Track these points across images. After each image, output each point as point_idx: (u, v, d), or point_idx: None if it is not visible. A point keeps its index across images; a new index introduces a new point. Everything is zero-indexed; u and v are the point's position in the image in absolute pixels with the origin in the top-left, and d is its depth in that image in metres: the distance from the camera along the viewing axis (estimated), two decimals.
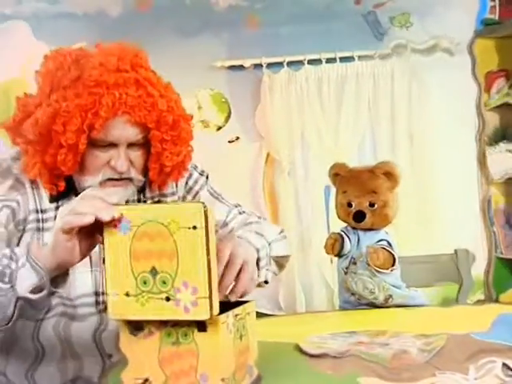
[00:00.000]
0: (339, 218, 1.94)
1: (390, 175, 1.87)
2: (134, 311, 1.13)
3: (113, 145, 1.42)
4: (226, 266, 1.28)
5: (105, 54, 1.43)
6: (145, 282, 1.11)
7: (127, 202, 1.51)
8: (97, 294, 1.50)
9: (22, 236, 1.43)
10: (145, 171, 1.49)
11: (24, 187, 1.44)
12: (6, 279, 1.24)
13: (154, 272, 1.11)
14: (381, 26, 3.58)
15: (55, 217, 1.45)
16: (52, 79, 1.41)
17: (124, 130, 1.41)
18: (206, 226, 1.07)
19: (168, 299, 1.10)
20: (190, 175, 1.64)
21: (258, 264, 1.43)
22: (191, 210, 1.08)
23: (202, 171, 1.67)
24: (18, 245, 1.42)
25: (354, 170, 1.94)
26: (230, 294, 1.28)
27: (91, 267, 1.48)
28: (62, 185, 1.45)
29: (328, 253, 1.93)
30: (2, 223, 1.40)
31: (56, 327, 1.48)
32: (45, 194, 1.46)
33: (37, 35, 3.38)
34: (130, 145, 1.44)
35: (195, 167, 1.66)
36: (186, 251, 1.08)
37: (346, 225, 1.92)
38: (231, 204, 1.69)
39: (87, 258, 1.38)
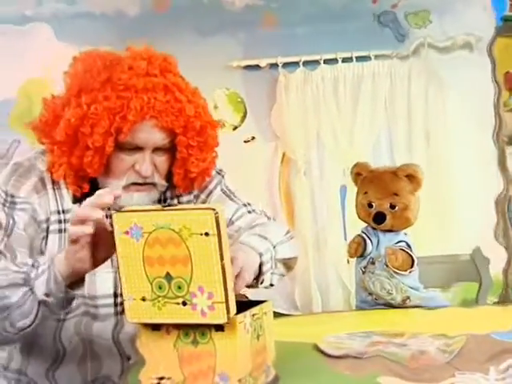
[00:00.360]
0: (359, 217, 1.93)
1: (413, 178, 1.86)
2: (152, 315, 1.14)
3: (138, 149, 1.43)
4: None
5: (134, 58, 1.44)
6: (160, 287, 1.12)
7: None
8: (115, 295, 1.50)
9: (46, 237, 1.45)
10: (168, 176, 1.50)
11: (45, 188, 1.46)
12: (26, 287, 1.26)
13: (168, 277, 1.11)
14: (400, 25, 3.56)
15: None
16: (81, 81, 1.42)
17: (151, 134, 1.42)
18: (219, 232, 1.07)
19: (184, 303, 1.11)
20: None
21: (260, 268, 1.42)
22: (202, 216, 1.08)
23: (220, 170, 1.67)
24: (45, 246, 1.44)
25: (376, 170, 1.93)
26: None
27: (112, 268, 1.49)
28: (87, 187, 1.46)
29: (351, 256, 1.93)
30: (21, 227, 1.41)
31: (77, 326, 1.49)
32: (67, 195, 1.48)
33: (57, 36, 3.39)
34: (156, 149, 1.45)
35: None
36: (199, 257, 1.09)
37: (365, 225, 1.92)
38: (241, 202, 1.68)
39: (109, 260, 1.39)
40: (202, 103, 1.50)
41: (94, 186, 1.46)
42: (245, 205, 1.68)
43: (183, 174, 1.51)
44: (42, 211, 1.44)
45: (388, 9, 3.56)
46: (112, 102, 1.38)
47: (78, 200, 1.47)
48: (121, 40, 1.65)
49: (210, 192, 1.64)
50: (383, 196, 1.87)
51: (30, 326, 1.29)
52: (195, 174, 1.50)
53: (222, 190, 1.66)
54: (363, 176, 1.93)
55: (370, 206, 1.89)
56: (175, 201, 1.58)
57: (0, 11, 3.37)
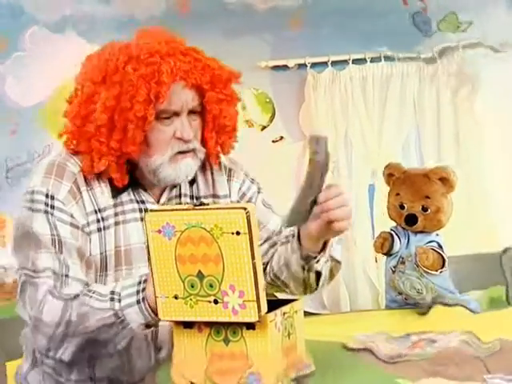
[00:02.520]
0: (390, 218, 1.94)
1: (446, 181, 1.86)
2: (184, 313, 1.16)
3: (174, 116, 1.46)
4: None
5: (146, 36, 1.50)
6: (192, 286, 1.14)
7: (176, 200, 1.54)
8: None
9: (90, 239, 1.47)
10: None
11: (80, 192, 1.47)
12: (118, 325, 1.33)
13: (200, 276, 1.13)
14: (429, 26, 3.54)
15: (115, 214, 1.49)
16: (102, 68, 1.46)
17: (184, 95, 1.46)
18: (250, 231, 1.09)
19: (216, 302, 1.13)
20: (243, 181, 1.66)
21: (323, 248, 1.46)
22: (233, 215, 1.09)
23: (253, 179, 1.70)
24: (90, 249, 1.46)
25: (409, 172, 1.93)
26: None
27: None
28: (126, 178, 1.48)
29: (377, 251, 1.93)
30: (69, 236, 1.44)
31: None
32: (101, 193, 1.49)
33: (88, 39, 3.43)
34: (189, 113, 1.48)
35: (246, 174, 1.69)
36: (230, 256, 1.10)
37: (393, 224, 1.92)
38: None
39: (146, 254, 1.42)
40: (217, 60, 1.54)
41: (132, 179, 1.50)
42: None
43: (215, 138, 1.53)
44: (81, 217, 1.46)
45: (419, 10, 3.55)
46: (143, 70, 1.41)
47: (117, 194, 1.50)
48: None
49: (250, 200, 1.65)
50: (415, 199, 1.87)
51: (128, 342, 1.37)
52: (229, 128, 1.53)
53: (262, 202, 1.68)
54: (395, 177, 1.93)
55: (402, 207, 1.89)
56: (208, 200, 1.59)
57: (35, 14, 3.42)
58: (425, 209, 1.86)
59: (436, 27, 3.56)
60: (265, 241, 1.62)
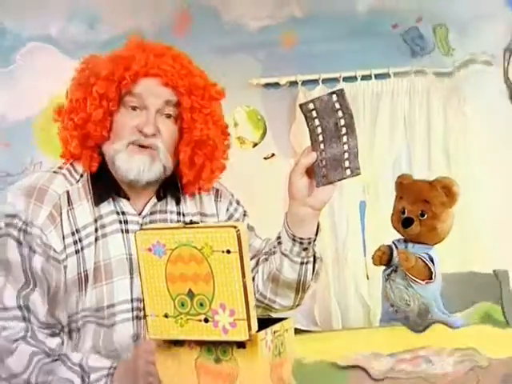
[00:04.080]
0: (393, 226, 1.94)
1: (448, 191, 1.87)
2: (174, 332, 1.15)
3: (144, 109, 1.46)
4: None
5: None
6: (182, 304, 1.14)
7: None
8: (132, 300, 1.52)
9: (66, 266, 1.46)
10: (174, 162, 1.51)
11: (60, 214, 1.46)
12: None
13: (190, 294, 1.13)
14: (420, 44, 3.57)
15: (95, 229, 1.48)
16: (89, 70, 1.49)
17: (156, 91, 1.46)
18: (240, 250, 1.09)
19: (206, 320, 1.12)
20: (230, 203, 1.67)
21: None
22: (224, 234, 1.09)
23: (238, 201, 1.70)
24: (64, 275, 1.45)
25: (416, 180, 1.95)
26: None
27: (130, 274, 1.50)
28: (95, 164, 1.49)
29: (375, 264, 1.94)
30: (39, 268, 1.44)
31: (95, 338, 1.50)
32: (81, 212, 1.48)
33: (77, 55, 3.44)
34: (161, 114, 1.47)
35: (232, 196, 1.69)
36: (221, 274, 1.10)
37: (386, 240, 1.93)
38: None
39: (127, 265, 1.42)
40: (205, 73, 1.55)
41: (115, 188, 1.50)
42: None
43: (189, 153, 1.50)
44: (58, 242, 1.45)
45: (410, 26, 3.57)
46: (117, 54, 1.46)
47: (99, 202, 1.50)
48: None
49: (237, 221, 1.66)
50: (415, 201, 1.88)
51: None
52: (199, 141, 1.49)
53: (248, 227, 1.67)
54: (403, 184, 1.95)
55: (403, 212, 1.90)
56: (196, 217, 1.59)
57: (25, 29, 3.42)
58: (423, 214, 1.87)
59: (428, 44, 3.59)
60: (252, 257, 1.63)
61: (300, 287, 1.58)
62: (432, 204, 1.86)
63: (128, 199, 1.53)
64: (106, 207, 1.51)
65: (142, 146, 1.46)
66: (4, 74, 3.42)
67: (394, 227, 1.93)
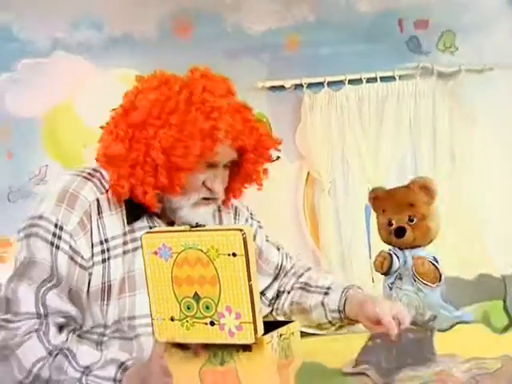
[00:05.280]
0: (382, 240, 1.94)
1: (426, 189, 1.87)
2: (180, 335, 1.15)
3: (210, 166, 1.48)
4: None
5: (207, 79, 1.49)
6: (188, 307, 1.14)
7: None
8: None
9: (91, 273, 1.46)
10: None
11: (90, 221, 1.46)
12: None
13: (196, 297, 1.13)
14: (425, 46, 3.57)
15: (123, 243, 1.48)
16: (160, 103, 1.43)
17: (227, 153, 1.48)
18: (246, 253, 1.09)
19: (212, 323, 1.12)
20: (247, 219, 1.75)
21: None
22: (230, 237, 1.09)
23: (253, 215, 1.76)
24: (89, 283, 1.46)
25: (391, 189, 1.95)
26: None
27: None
28: (159, 205, 1.49)
29: (377, 270, 1.93)
30: (65, 272, 1.44)
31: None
32: (110, 223, 1.48)
33: (80, 61, 3.45)
34: (224, 166, 1.51)
35: (247, 209, 1.73)
36: (227, 277, 1.10)
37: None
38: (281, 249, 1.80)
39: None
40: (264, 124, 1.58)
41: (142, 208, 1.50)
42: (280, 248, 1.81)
43: (239, 187, 1.59)
44: (86, 249, 1.45)
45: (415, 29, 3.57)
46: (201, 123, 1.41)
47: (132, 221, 1.50)
48: (144, 64, 1.66)
49: (254, 236, 1.69)
50: (400, 209, 1.88)
51: None
52: (254, 182, 1.59)
53: (266, 239, 1.76)
54: (379, 197, 1.95)
55: (390, 224, 1.89)
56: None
57: (29, 36, 3.44)
58: (411, 219, 1.87)
59: (433, 47, 3.59)
60: (274, 277, 1.75)
61: (320, 328, 1.72)
62: (417, 206, 1.87)
63: (159, 217, 1.53)
64: (140, 223, 1.51)
65: (207, 199, 1.50)
66: (10, 78, 3.44)
67: (385, 241, 1.93)
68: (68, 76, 3.39)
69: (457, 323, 1.83)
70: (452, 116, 3.55)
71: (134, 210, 1.50)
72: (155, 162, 1.42)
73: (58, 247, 1.43)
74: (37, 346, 1.38)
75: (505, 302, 2.13)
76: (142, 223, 1.51)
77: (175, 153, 1.41)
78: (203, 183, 1.48)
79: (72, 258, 1.43)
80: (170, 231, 1.18)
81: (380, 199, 1.95)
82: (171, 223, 1.54)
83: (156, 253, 1.15)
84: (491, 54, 3.54)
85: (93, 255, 1.45)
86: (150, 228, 1.50)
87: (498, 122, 3.47)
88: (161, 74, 1.51)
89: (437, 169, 3.53)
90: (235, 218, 1.68)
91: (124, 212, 1.50)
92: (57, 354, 1.38)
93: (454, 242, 3.29)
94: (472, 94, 3.51)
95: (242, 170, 1.54)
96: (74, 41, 3.47)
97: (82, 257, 1.44)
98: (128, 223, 1.49)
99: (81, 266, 1.45)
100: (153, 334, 1.19)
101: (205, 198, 1.50)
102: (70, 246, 1.43)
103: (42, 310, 1.41)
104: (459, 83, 3.54)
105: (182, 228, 1.19)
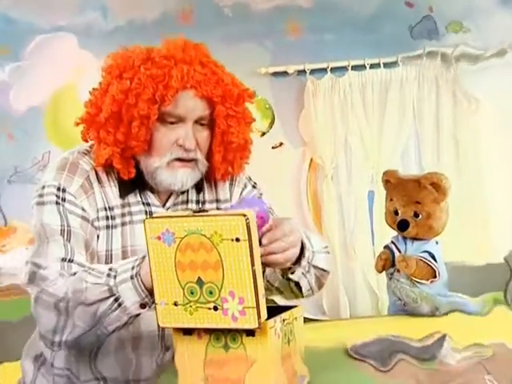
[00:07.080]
0: (387, 223, 1.94)
1: (438, 186, 1.85)
2: (183, 320, 1.16)
3: (180, 122, 1.48)
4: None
5: (171, 42, 1.52)
6: (192, 292, 1.14)
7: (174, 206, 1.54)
8: None
9: (98, 235, 1.49)
10: (207, 158, 1.54)
11: (92, 187, 1.50)
12: (111, 298, 1.32)
13: (200, 282, 1.13)
14: (431, 32, 3.55)
15: (122, 214, 1.51)
16: (121, 63, 1.49)
17: (192, 103, 1.47)
18: (250, 238, 1.09)
19: (216, 308, 1.13)
20: (245, 186, 1.67)
21: (298, 259, 1.41)
22: (233, 222, 1.09)
23: (255, 184, 1.70)
24: (97, 244, 1.48)
25: (403, 178, 1.93)
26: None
27: None
28: (133, 171, 1.50)
29: (379, 271, 1.93)
30: (77, 227, 1.46)
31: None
32: (111, 192, 1.51)
33: (82, 45, 3.45)
34: (196, 123, 1.49)
35: (249, 179, 1.69)
36: (230, 262, 1.10)
37: (394, 232, 1.93)
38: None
39: None
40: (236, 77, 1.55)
41: (136, 178, 1.51)
42: None
43: (223, 153, 1.54)
44: (91, 211, 1.48)
45: (420, 15, 3.55)
46: (154, 71, 1.44)
47: (124, 195, 1.51)
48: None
49: None
50: (406, 204, 1.87)
51: (122, 326, 1.36)
52: (235, 145, 1.53)
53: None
54: (391, 183, 1.94)
55: (396, 213, 1.89)
56: (212, 205, 1.60)
57: (32, 21, 3.43)
58: (416, 215, 1.86)
59: (439, 32, 3.57)
60: None
61: (295, 294, 1.55)
62: (424, 204, 1.86)
63: (152, 191, 1.54)
64: (133, 197, 1.53)
65: (183, 160, 1.49)
66: (13, 65, 3.44)
67: (389, 225, 1.92)
68: (71, 61, 3.39)
69: (457, 311, 1.83)
70: (455, 101, 3.54)
71: (126, 184, 1.52)
72: (112, 119, 1.45)
73: (64, 207, 1.46)
74: (61, 281, 1.38)
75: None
76: (136, 198, 1.53)
77: (128, 102, 1.44)
78: (176, 142, 1.48)
79: (82, 217, 1.46)
80: (173, 216, 1.18)
81: (391, 185, 1.94)
82: (165, 201, 1.55)
83: (159, 238, 1.15)
84: (499, 39, 3.52)
85: (98, 218, 1.48)
86: (143, 204, 1.52)
87: (501, 107, 3.46)
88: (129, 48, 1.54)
89: (440, 155, 3.53)
90: (231, 185, 1.65)
91: (117, 185, 1.52)
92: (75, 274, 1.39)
93: (455, 230, 3.29)
94: (475, 80, 3.50)
95: (217, 129, 1.51)
96: (78, 26, 3.46)
97: (89, 215, 1.47)
98: (121, 197, 1.51)
99: (90, 222, 1.47)
100: (156, 318, 1.20)
101: (180, 159, 1.49)
102: (76, 204, 1.46)
103: (69, 256, 1.43)
104: (463, 68, 3.53)
105: (186, 213, 1.19)
